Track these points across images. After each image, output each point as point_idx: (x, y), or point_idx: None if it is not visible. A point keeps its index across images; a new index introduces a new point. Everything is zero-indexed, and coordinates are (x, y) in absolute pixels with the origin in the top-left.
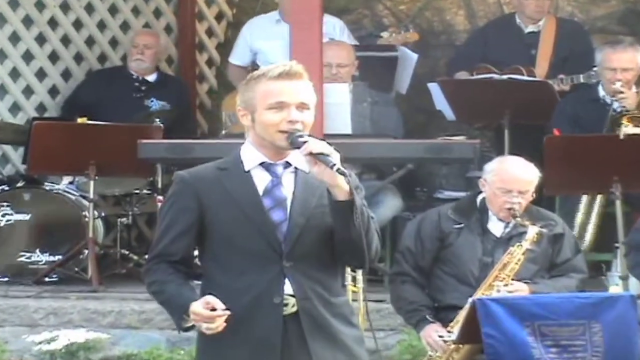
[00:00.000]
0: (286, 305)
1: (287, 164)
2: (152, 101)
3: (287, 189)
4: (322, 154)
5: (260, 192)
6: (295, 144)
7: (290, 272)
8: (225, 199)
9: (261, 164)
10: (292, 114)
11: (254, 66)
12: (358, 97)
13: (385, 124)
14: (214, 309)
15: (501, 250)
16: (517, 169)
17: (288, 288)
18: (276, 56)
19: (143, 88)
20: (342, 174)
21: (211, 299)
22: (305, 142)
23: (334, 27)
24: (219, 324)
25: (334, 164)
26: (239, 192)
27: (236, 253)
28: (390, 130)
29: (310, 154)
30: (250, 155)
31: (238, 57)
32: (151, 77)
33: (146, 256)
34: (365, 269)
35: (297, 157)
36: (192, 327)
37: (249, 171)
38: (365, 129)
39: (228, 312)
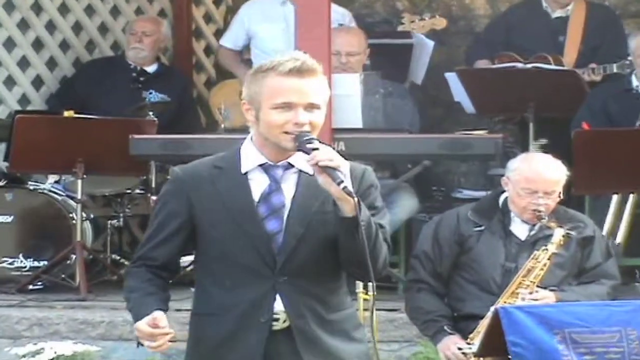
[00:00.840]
0: (277, 320)
1: (289, 165)
2: (150, 93)
3: (286, 194)
4: (330, 167)
5: (256, 199)
6: (302, 149)
7: (284, 288)
8: (217, 203)
9: (260, 165)
10: (300, 116)
11: (246, 51)
12: (369, 88)
13: (399, 117)
14: (156, 326)
15: (525, 254)
16: (544, 167)
17: (279, 304)
18: (276, 42)
19: (141, 79)
20: (349, 194)
21: (158, 315)
22: (313, 149)
23: (343, 17)
24: (161, 343)
25: (342, 181)
26: (232, 197)
27: (227, 265)
28: (404, 124)
29: (318, 164)
30: (250, 155)
31: (231, 39)
32: (151, 68)
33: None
34: (372, 281)
35: (299, 159)
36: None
37: (245, 173)
38: (378, 122)
39: (171, 332)
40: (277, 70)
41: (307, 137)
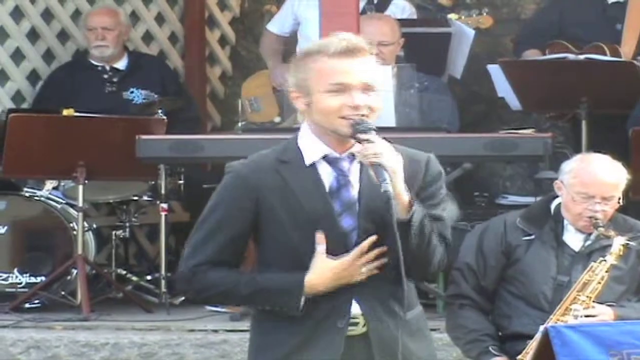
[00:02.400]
0: (356, 324)
1: (353, 156)
2: (132, 92)
3: (354, 188)
4: (377, 164)
5: (328, 193)
6: (357, 137)
7: (360, 289)
8: (287, 199)
9: (325, 157)
10: (356, 98)
11: (293, 38)
12: (403, 83)
13: (436, 114)
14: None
15: (580, 267)
16: (602, 170)
17: (356, 308)
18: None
19: (115, 79)
20: (387, 196)
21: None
22: (365, 140)
23: (403, 11)
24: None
25: (384, 180)
26: (303, 192)
27: (294, 263)
28: (442, 122)
29: (367, 161)
30: (311, 146)
31: (278, 24)
32: (121, 64)
33: (148, 277)
34: (425, 280)
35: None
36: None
37: (312, 164)
38: (413, 120)
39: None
40: (325, 52)
41: (363, 126)
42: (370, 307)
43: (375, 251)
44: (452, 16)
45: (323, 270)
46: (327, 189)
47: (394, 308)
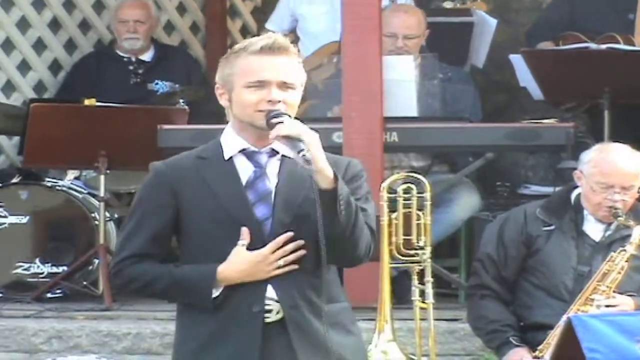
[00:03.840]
0: (269, 312)
1: (273, 152)
2: (156, 84)
3: (271, 180)
4: (290, 137)
5: (243, 184)
6: (270, 123)
7: (275, 276)
8: (204, 192)
9: (242, 151)
10: (273, 93)
11: (294, 34)
12: (426, 72)
13: (459, 104)
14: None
15: (600, 257)
16: (621, 159)
17: (272, 293)
18: (320, 23)
19: (140, 71)
20: (307, 161)
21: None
22: (278, 123)
23: None
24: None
25: (301, 150)
26: (219, 184)
27: (214, 255)
28: (465, 112)
29: (280, 137)
30: (230, 141)
31: (276, 22)
32: (147, 56)
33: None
34: (354, 266)
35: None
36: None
37: (230, 159)
38: (435, 110)
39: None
40: (249, 49)
41: (276, 113)
42: (286, 293)
43: (292, 245)
44: (446, 4)
45: (237, 262)
46: (243, 181)
47: (311, 297)
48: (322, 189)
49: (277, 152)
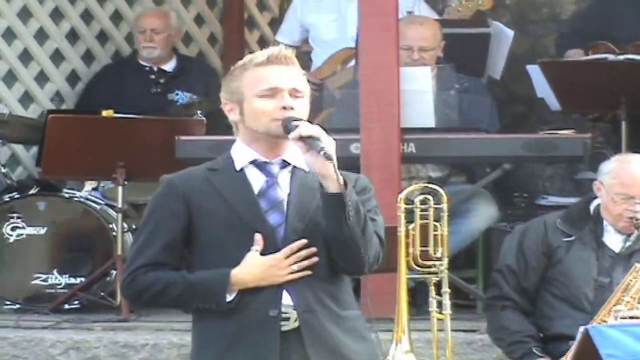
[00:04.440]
0: (287, 319)
1: (284, 163)
2: (177, 94)
3: (283, 190)
4: (311, 137)
5: (255, 193)
6: (288, 130)
7: (290, 282)
8: (216, 200)
9: (253, 162)
10: (286, 99)
11: (305, 45)
12: (443, 83)
13: (476, 115)
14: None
15: (620, 268)
16: None
17: (287, 300)
18: (330, 33)
19: (161, 81)
20: (329, 158)
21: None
22: (297, 125)
23: (414, 3)
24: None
25: (322, 148)
26: (232, 193)
27: (227, 262)
28: (482, 123)
29: (300, 138)
30: (241, 153)
31: (286, 33)
32: (169, 66)
33: None
34: (363, 275)
35: (294, 155)
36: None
37: (241, 170)
38: (452, 121)
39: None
40: (255, 61)
41: (293, 118)
42: (301, 298)
43: (305, 251)
44: (453, 2)
45: (251, 265)
46: (256, 191)
47: (326, 302)
48: (331, 193)
49: (288, 164)
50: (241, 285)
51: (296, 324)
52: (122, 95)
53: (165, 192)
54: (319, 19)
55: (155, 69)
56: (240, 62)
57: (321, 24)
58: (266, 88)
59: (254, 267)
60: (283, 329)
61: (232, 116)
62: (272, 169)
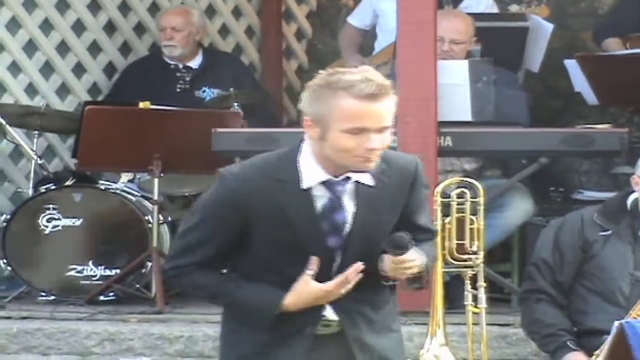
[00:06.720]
0: (329, 326)
1: (348, 179)
2: (204, 91)
3: (346, 209)
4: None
5: (318, 212)
6: (392, 251)
7: (337, 299)
8: (278, 217)
9: (322, 182)
10: (373, 142)
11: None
12: (479, 77)
13: (510, 109)
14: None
15: None
16: None
17: (331, 313)
18: (395, 23)
19: (187, 78)
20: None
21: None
22: (401, 253)
23: (479, 3)
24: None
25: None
26: (295, 213)
27: (273, 276)
28: (517, 117)
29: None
30: (311, 170)
31: (358, 17)
32: (194, 63)
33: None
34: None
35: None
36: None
37: (308, 189)
38: (488, 115)
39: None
40: (351, 92)
41: (401, 241)
42: (346, 313)
43: (357, 277)
44: (512, 7)
45: (303, 294)
46: (319, 211)
47: (363, 309)
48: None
49: (350, 179)
50: (288, 309)
51: (337, 329)
52: (149, 92)
53: (224, 199)
54: (391, 6)
55: (180, 66)
56: (333, 83)
57: (391, 11)
58: (354, 127)
59: (304, 295)
60: (322, 332)
61: (311, 132)
62: (338, 188)
